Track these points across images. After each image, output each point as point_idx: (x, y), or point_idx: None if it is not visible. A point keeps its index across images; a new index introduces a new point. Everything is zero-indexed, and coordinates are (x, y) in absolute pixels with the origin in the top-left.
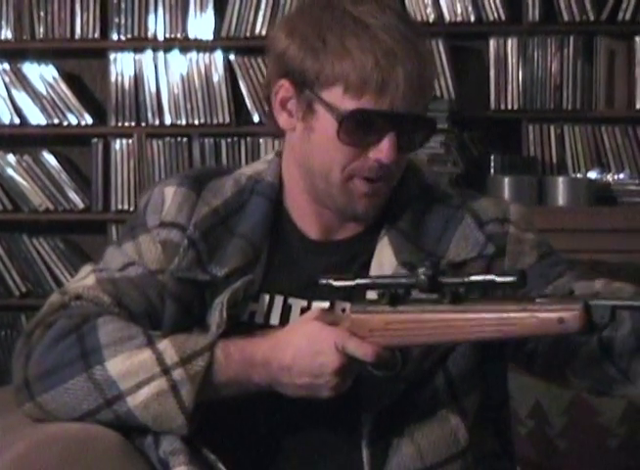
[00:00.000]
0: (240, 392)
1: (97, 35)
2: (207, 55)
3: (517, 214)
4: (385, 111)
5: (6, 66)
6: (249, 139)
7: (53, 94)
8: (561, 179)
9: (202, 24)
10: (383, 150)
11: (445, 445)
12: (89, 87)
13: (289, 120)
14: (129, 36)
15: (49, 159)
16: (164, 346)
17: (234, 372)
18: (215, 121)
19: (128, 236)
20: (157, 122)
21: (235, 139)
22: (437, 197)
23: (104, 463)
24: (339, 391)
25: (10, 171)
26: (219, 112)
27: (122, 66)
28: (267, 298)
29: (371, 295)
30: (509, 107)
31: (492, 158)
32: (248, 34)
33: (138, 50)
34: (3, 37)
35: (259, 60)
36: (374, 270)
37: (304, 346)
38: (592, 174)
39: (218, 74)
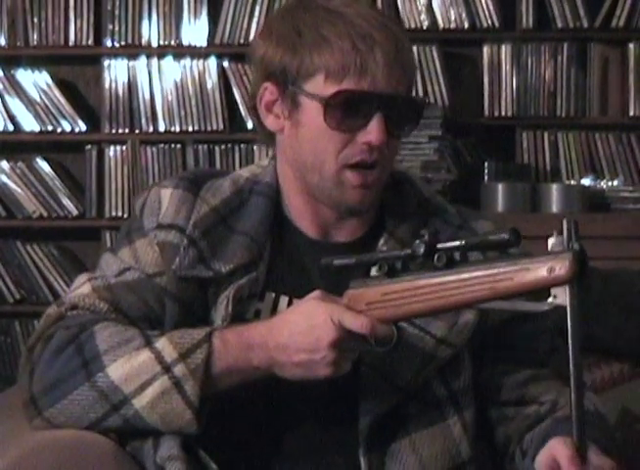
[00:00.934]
0: (241, 380)
1: (91, 42)
2: (201, 61)
3: None
4: (366, 91)
5: None
6: (242, 146)
7: (47, 101)
8: (555, 186)
9: (195, 31)
10: (371, 131)
11: (448, 456)
12: (83, 94)
13: (276, 122)
14: (123, 43)
15: (43, 165)
16: (162, 344)
17: (233, 358)
18: (209, 128)
19: (124, 241)
20: (150, 129)
21: (229, 146)
22: (436, 212)
23: None
24: (336, 369)
25: (3, 178)
26: (213, 118)
27: (116, 72)
28: (272, 297)
29: None
30: (503, 114)
31: (486, 164)
32: (242, 41)
33: (132, 57)
34: None
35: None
36: (373, 270)
37: (300, 322)
38: (586, 181)
39: (212, 81)
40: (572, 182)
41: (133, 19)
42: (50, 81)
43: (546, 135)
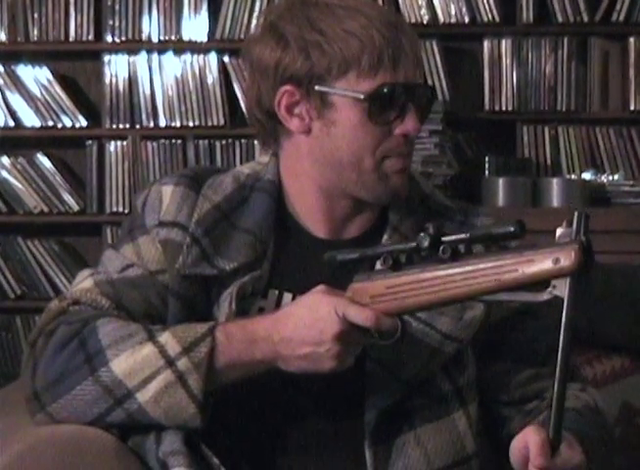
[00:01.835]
0: (245, 373)
1: (91, 37)
2: (202, 57)
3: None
4: (403, 83)
5: (0, 68)
6: (243, 141)
7: (47, 96)
8: (555, 180)
9: (196, 26)
10: (408, 123)
11: (452, 450)
12: (83, 89)
13: (302, 124)
14: (123, 38)
15: (43, 161)
16: (165, 338)
17: (237, 351)
18: (210, 123)
19: (127, 238)
20: (151, 124)
21: (229, 141)
22: (438, 209)
23: (98, 465)
24: (341, 362)
25: (4, 174)
26: (214, 113)
27: (117, 68)
28: (276, 294)
29: None
30: (503, 108)
31: (487, 159)
32: (242, 36)
33: (132, 52)
34: None
35: None
36: (378, 264)
37: (305, 315)
38: (587, 175)
39: (213, 76)
40: (573, 176)
41: (133, 14)
42: (50, 77)
43: (547, 129)
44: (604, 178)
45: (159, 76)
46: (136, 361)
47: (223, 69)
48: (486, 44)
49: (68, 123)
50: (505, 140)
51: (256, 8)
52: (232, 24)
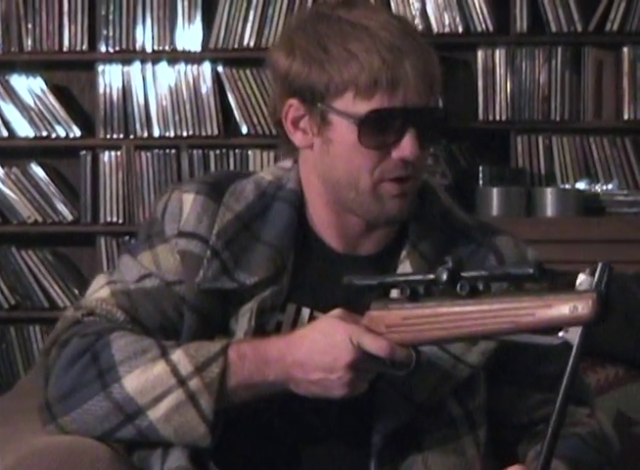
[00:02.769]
0: (256, 395)
1: (85, 47)
2: (196, 66)
3: (532, 259)
4: (399, 107)
5: None
6: (237, 151)
7: (41, 106)
8: (549, 190)
9: (190, 36)
10: (405, 147)
11: None
12: (77, 99)
13: (305, 139)
14: (117, 48)
15: (37, 171)
16: (178, 356)
17: (249, 372)
18: (204, 133)
19: (145, 245)
20: (145, 134)
21: (223, 151)
22: (457, 227)
23: None
24: (352, 390)
25: None
26: (207, 123)
27: (110, 78)
28: (294, 309)
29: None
30: (497, 118)
31: (481, 169)
32: (236, 46)
33: (126, 62)
34: None
35: (247, 71)
36: (394, 291)
37: (319, 340)
38: (581, 185)
39: (206, 86)
40: (567, 186)
41: (127, 24)
42: (44, 87)
43: (541, 139)
44: (598, 188)
45: (152, 86)
46: (148, 379)
47: (217, 78)
48: (480, 54)
49: (62, 133)
50: (499, 150)
51: (250, 17)
52: (226, 34)
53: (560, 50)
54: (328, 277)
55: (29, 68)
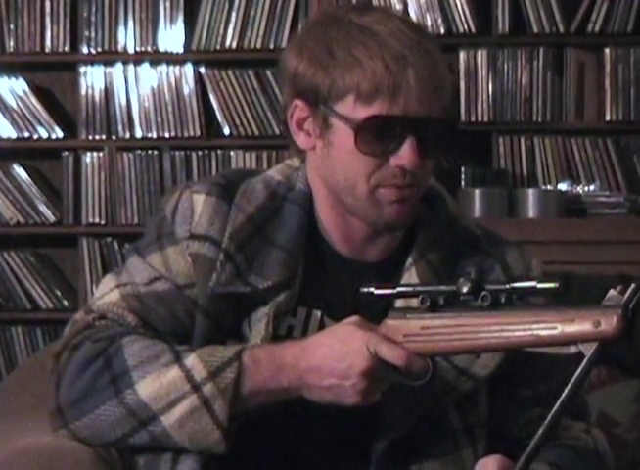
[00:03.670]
0: (270, 400)
1: (67, 48)
2: (178, 68)
3: (537, 271)
4: (399, 115)
5: None
6: (219, 152)
7: (23, 107)
8: (531, 191)
9: (172, 37)
10: (403, 156)
11: None
12: (59, 100)
13: (307, 140)
14: (99, 49)
15: (19, 172)
16: (192, 362)
17: (263, 378)
18: (186, 134)
19: (154, 246)
20: (127, 136)
21: (206, 152)
22: (464, 236)
23: None
24: (365, 398)
25: None
26: (190, 125)
27: (93, 79)
28: (305, 312)
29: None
30: (479, 119)
31: (463, 170)
32: (218, 47)
33: (108, 63)
34: None
35: (230, 72)
36: (398, 301)
37: (335, 346)
38: (562, 186)
39: (189, 87)
40: (549, 187)
41: (109, 25)
42: (26, 88)
43: (522, 140)
44: (580, 189)
45: (134, 88)
46: (162, 385)
47: (199, 80)
48: (462, 55)
49: (44, 134)
50: (481, 151)
51: (232, 18)
52: (208, 36)
53: (542, 51)
54: (338, 281)
55: (11, 69)
